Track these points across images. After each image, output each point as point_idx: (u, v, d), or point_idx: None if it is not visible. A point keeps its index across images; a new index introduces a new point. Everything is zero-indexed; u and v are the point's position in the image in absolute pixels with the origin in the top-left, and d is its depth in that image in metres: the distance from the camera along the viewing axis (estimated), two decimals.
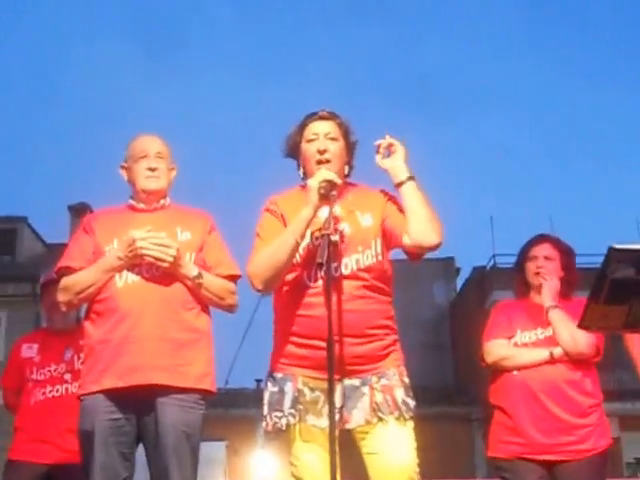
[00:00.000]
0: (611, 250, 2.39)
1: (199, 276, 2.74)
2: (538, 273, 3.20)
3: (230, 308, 2.87)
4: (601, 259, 2.58)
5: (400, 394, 2.50)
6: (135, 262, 2.71)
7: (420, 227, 2.48)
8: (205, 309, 2.81)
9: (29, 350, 3.89)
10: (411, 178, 2.55)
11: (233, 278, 2.86)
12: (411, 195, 2.53)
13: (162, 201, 2.90)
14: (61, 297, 2.80)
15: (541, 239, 3.28)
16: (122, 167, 2.92)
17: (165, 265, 2.69)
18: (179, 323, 2.70)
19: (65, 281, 2.78)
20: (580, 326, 2.79)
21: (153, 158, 2.85)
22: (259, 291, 2.55)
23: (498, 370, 3.19)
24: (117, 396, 2.62)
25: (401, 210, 2.58)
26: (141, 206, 2.88)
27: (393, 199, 2.63)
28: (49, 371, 3.79)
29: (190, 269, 2.74)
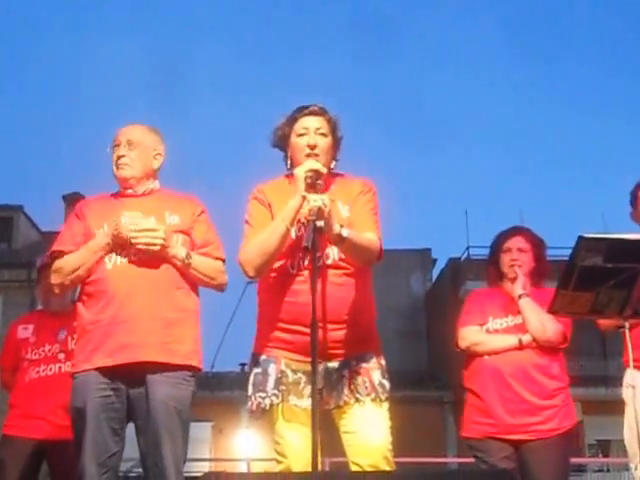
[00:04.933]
0: (580, 239, 2.40)
1: (188, 256, 2.72)
2: (512, 265, 3.22)
3: (220, 287, 2.85)
4: (568, 251, 2.59)
5: (377, 376, 2.51)
6: (121, 242, 2.68)
7: None
8: (194, 289, 2.79)
9: (25, 331, 3.89)
10: None
11: (221, 259, 2.84)
12: None
13: (151, 185, 2.86)
14: (53, 279, 2.78)
15: (514, 232, 3.29)
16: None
17: (155, 249, 2.67)
18: (168, 303, 2.68)
19: (57, 263, 2.76)
20: (549, 311, 2.81)
21: (123, 147, 2.80)
22: (251, 277, 2.54)
23: (471, 355, 3.22)
24: (108, 374, 2.61)
25: (366, 203, 2.59)
26: (129, 191, 2.84)
27: (364, 192, 2.62)
28: (43, 351, 3.78)
29: (178, 250, 2.72)
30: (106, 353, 2.61)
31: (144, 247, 2.66)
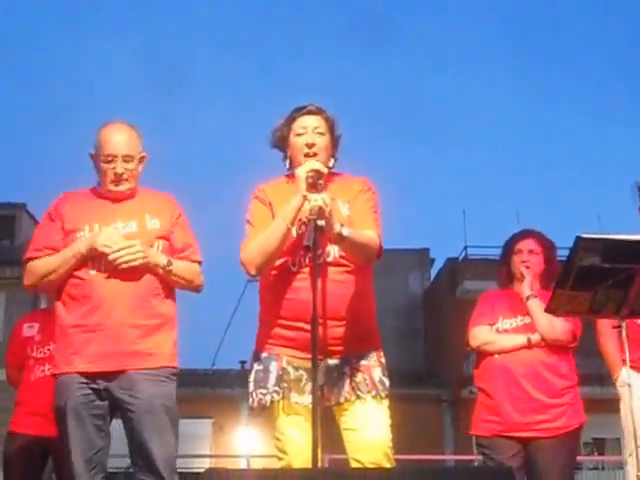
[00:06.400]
0: (578, 239, 2.41)
1: (169, 264, 2.71)
2: (522, 266, 3.24)
3: (197, 289, 2.85)
4: (564, 252, 2.60)
5: (377, 373, 2.53)
6: (97, 255, 2.65)
7: None
8: (171, 293, 2.78)
9: (30, 329, 3.91)
10: None
11: (198, 262, 2.84)
12: None
13: (127, 185, 2.78)
14: (26, 280, 2.77)
15: (526, 234, 3.34)
16: (91, 155, 2.78)
17: (135, 264, 2.65)
18: (148, 310, 2.68)
19: (31, 265, 2.74)
20: (547, 310, 2.83)
21: (120, 162, 2.72)
22: (252, 276, 2.55)
23: (481, 354, 3.26)
24: (89, 375, 2.61)
25: (366, 202, 2.59)
26: (110, 195, 2.78)
27: (364, 191, 2.62)
28: (48, 350, 3.79)
29: (160, 259, 2.71)
30: (88, 359, 2.60)
31: (125, 265, 2.64)
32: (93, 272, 2.66)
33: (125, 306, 2.63)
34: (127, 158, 2.73)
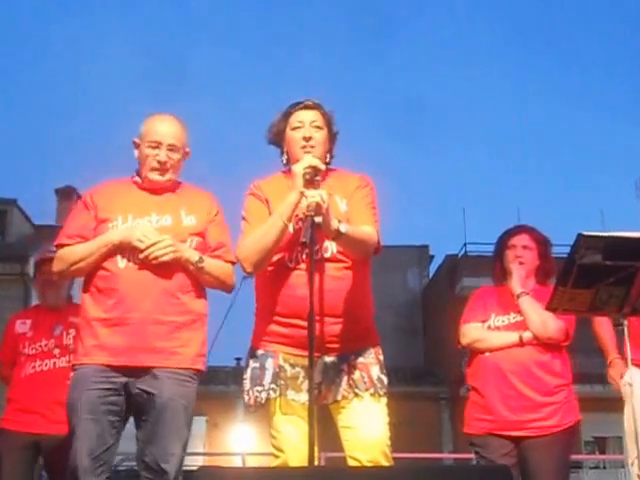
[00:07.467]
0: (580, 237, 2.42)
1: (201, 260, 2.69)
2: (516, 261, 3.23)
3: (228, 289, 2.84)
4: (565, 249, 2.61)
5: (376, 371, 2.53)
6: (129, 248, 2.64)
7: None
8: (202, 291, 2.76)
9: (22, 326, 3.92)
10: None
11: (232, 262, 2.81)
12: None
13: (168, 176, 2.78)
14: (55, 266, 2.76)
15: (519, 229, 3.33)
16: (135, 142, 2.79)
17: (166, 259, 2.63)
18: (177, 306, 2.66)
19: (61, 251, 2.74)
20: (547, 308, 2.84)
21: (164, 151, 2.72)
22: (249, 273, 2.55)
23: (473, 352, 3.25)
24: (109, 368, 2.59)
25: (364, 198, 2.59)
26: (149, 185, 2.77)
27: (361, 186, 2.63)
28: (40, 346, 3.80)
29: (191, 255, 2.69)
30: (109, 352, 2.59)
31: (155, 261, 2.62)
32: (123, 264, 2.64)
33: (152, 301, 2.62)
34: (172, 147, 2.74)
